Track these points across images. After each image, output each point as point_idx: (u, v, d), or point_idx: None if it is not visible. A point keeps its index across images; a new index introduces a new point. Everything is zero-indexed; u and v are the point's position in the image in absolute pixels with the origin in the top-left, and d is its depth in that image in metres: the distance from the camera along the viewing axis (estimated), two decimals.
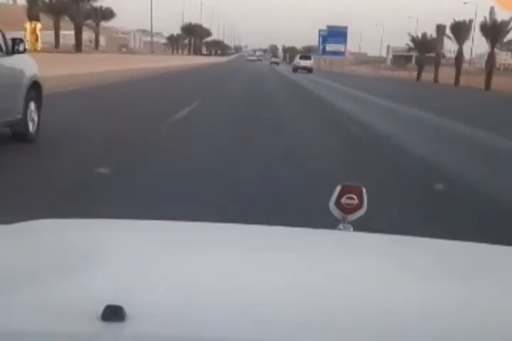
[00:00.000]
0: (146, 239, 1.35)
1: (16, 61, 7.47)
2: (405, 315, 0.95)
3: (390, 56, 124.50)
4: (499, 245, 1.47)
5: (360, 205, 1.64)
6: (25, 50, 7.72)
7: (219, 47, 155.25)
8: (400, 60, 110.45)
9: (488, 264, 1.34)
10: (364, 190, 1.66)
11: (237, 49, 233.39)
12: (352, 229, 1.64)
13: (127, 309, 0.82)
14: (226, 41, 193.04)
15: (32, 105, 7.64)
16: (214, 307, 0.91)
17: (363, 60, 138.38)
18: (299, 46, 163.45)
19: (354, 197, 1.63)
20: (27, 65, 7.78)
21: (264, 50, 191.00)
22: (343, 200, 1.63)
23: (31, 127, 7.53)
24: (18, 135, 7.31)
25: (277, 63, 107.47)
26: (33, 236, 1.36)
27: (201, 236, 1.41)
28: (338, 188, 1.66)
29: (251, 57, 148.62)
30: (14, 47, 7.41)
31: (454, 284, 1.15)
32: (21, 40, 7.68)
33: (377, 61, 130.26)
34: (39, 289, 0.96)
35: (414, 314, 0.95)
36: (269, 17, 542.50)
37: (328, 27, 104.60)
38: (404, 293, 1.06)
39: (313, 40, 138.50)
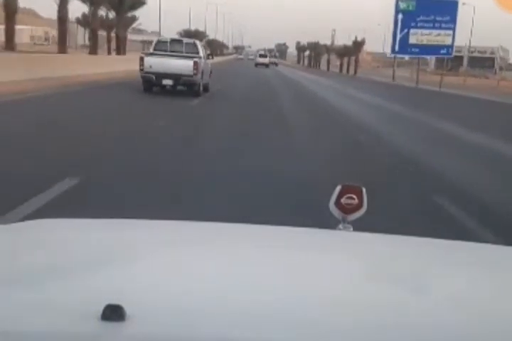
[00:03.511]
0: (146, 239, 1.34)
1: (208, 61, 20.70)
2: (405, 314, 0.95)
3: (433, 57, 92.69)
4: (499, 245, 1.47)
5: (360, 205, 1.64)
6: (212, 58, 22.86)
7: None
8: (446, 62, 80.00)
9: (488, 264, 1.33)
10: (364, 190, 1.65)
11: (238, 49, 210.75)
12: (352, 229, 1.63)
13: (127, 309, 0.83)
14: (221, 38, 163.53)
15: (209, 78, 20.63)
16: (214, 307, 0.91)
17: (386, 61, 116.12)
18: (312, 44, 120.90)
19: (354, 197, 1.63)
20: (210, 63, 21.28)
21: (270, 50, 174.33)
22: (343, 200, 1.63)
23: (209, 86, 20.58)
24: (205, 88, 19.64)
25: (271, 63, 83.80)
26: (33, 236, 1.35)
27: (201, 236, 1.41)
28: (338, 188, 1.65)
29: (241, 56, 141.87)
30: (209, 56, 21.14)
31: (454, 284, 1.14)
32: (212, 54, 22.78)
33: (402, 63, 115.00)
34: (39, 289, 0.96)
35: (414, 313, 0.95)
36: (277, 17, 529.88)
37: None
38: (404, 293, 1.06)
39: (326, 38, 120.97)
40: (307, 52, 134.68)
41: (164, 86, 18.29)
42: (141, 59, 18.23)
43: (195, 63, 17.90)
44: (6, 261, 1.13)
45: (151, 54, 18.96)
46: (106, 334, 0.81)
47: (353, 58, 78.78)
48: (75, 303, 0.88)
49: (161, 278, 1.04)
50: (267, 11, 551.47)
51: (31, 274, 1.02)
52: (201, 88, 18.76)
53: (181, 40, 20.88)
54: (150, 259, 1.16)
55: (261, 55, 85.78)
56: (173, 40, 20.47)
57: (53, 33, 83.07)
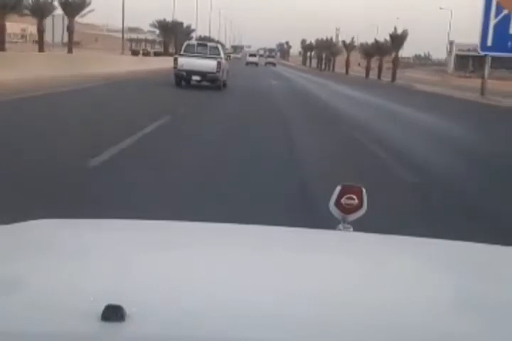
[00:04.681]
0: (147, 239, 1.34)
1: (226, 62, 25.43)
2: (405, 314, 0.95)
3: (452, 56, 79.43)
4: (499, 245, 1.46)
5: (360, 205, 1.64)
6: (230, 59, 34.47)
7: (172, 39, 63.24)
8: (467, 62, 70.69)
9: (487, 264, 1.33)
10: (364, 190, 1.65)
11: (237, 48, 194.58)
12: (352, 229, 1.63)
13: (127, 309, 0.83)
14: (217, 37, 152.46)
15: (226, 76, 24.98)
16: (214, 307, 0.91)
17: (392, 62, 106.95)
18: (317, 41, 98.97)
19: (354, 197, 1.63)
20: (227, 63, 25.93)
21: (270, 50, 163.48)
22: (343, 200, 1.63)
23: (227, 83, 24.79)
24: (223, 84, 23.72)
25: (268, 63, 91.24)
26: (33, 236, 1.35)
27: (201, 237, 1.41)
28: (338, 188, 1.65)
29: (238, 56, 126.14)
30: (227, 57, 28.82)
31: (453, 284, 1.15)
32: (230, 56, 36.63)
33: (409, 63, 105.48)
34: (39, 289, 0.96)
35: (413, 313, 0.96)
36: (279, 16, 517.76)
37: None
38: (403, 293, 1.06)
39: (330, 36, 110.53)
40: (314, 52, 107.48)
41: (189, 81, 23.01)
42: (175, 59, 23.31)
43: (219, 63, 22.64)
44: (6, 261, 1.13)
45: (182, 55, 23.93)
46: (106, 334, 0.81)
47: (385, 58, 55.78)
48: (75, 303, 0.88)
49: (161, 278, 1.04)
50: (267, 11, 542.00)
51: (31, 274, 1.03)
52: (222, 83, 23.38)
53: (206, 44, 26.64)
54: (149, 259, 1.16)
55: (251, 55, 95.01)
56: (199, 44, 26.43)
57: (31, 29, 74.52)
